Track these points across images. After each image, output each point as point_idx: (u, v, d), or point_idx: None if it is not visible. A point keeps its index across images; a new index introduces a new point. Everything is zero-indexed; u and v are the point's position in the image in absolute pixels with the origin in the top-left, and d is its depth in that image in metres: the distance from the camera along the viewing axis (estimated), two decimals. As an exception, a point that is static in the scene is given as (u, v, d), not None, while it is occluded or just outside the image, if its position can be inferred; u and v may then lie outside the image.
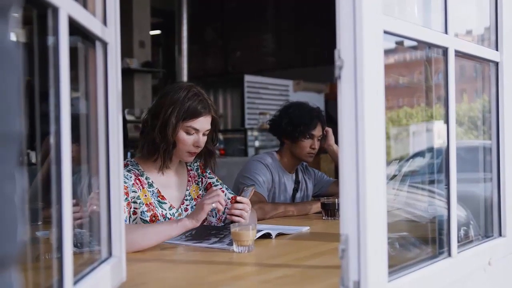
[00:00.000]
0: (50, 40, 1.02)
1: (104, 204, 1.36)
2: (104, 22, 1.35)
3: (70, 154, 1.03)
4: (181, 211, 2.29)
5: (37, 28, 1.06)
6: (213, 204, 1.97)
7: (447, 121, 1.52)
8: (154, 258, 1.84)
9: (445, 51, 1.51)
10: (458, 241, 1.54)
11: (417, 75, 2.08)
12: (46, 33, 1.03)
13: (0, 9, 0.55)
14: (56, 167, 1.01)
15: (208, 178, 2.43)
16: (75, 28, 1.12)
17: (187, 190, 2.35)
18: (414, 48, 1.72)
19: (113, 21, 1.38)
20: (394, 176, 2.24)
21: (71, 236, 1.04)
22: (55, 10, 1.00)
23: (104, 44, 1.35)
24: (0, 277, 0.55)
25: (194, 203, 2.34)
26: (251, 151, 7.32)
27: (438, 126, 1.88)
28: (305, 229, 2.35)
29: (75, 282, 1.09)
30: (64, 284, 1.01)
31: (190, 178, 2.38)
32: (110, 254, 1.37)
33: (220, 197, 2.00)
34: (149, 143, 2.21)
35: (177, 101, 2.17)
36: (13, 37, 0.59)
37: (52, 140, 1.01)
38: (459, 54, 1.56)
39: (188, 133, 2.20)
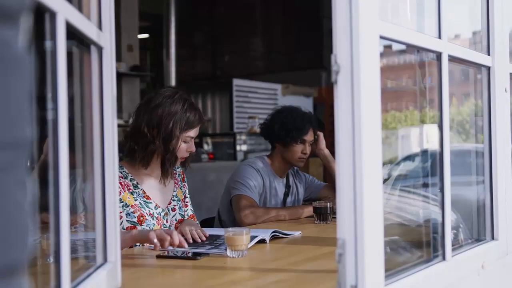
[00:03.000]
0: (47, 44, 1.02)
1: (99, 210, 1.36)
2: (100, 26, 1.34)
3: (68, 158, 1.03)
4: (168, 210, 2.36)
5: (34, 32, 1.05)
6: (155, 240, 1.89)
7: (441, 125, 1.53)
8: (149, 264, 1.84)
9: (438, 55, 1.52)
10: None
11: (405, 79, 2.09)
12: (42, 37, 1.03)
13: (10, 15, 0.55)
14: (53, 172, 1.00)
15: (186, 188, 2.52)
16: (71, 33, 1.11)
17: (174, 191, 2.43)
18: (402, 52, 1.73)
19: (108, 25, 1.38)
20: (385, 180, 2.25)
21: (69, 242, 1.03)
22: (53, 15, 0.99)
23: (99, 49, 1.34)
24: (11, 284, 0.55)
25: (181, 204, 2.43)
26: (240, 155, 7.31)
27: (427, 130, 1.89)
28: (298, 233, 2.35)
29: (72, 289, 1.08)
30: (61, 290, 1.00)
31: (176, 180, 2.46)
32: (105, 259, 1.36)
33: (167, 242, 1.90)
34: (150, 154, 2.25)
35: (176, 113, 2.24)
36: (23, 42, 0.58)
37: (49, 144, 1.01)
38: (452, 58, 1.57)
39: (185, 142, 2.29)
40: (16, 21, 0.56)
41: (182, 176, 2.52)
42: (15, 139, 0.55)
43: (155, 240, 1.90)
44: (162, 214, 2.32)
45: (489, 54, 1.82)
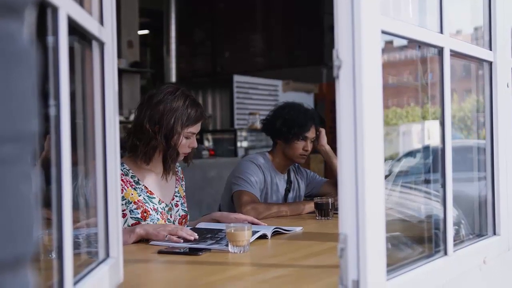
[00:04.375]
0: (49, 39, 1.01)
1: (101, 205, 1.36)
2: (101, 22, 1.34)
3: (70, 154, 1.03)
4: (172, 205, 2.38)
5: (36, 27, 1.05)
6: (167, 237, 2.03)
7: (442, 121, 1.53)
8: (151, 259, 1.84)
9: (440, 50, 1.52)
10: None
11: (406, 74, 2.09)
12: (44, 32, 1.02)
13: (15, 9, 0.55)
14: (56, 168, 1.00)
15: (184, 187, 2.54)
16: (72, 28, 1.11)
17: (176, 187, 2.44)
18: (404, 47, 1.73)
19: (109, 21, 1.37)
20: (386, 176, 2.25)
21: (71, 237, 1.03)
22: (55, 10, 0.99)
23: (101, 44, 1.34)
24: (17, 276, 0.55)
25: (182, 200, 2.46)
26: (240, 152, 7.31)
27: (429, 126, 1.89)
28: (299, 229, 2.35)
29: (75, 283, 1.08)
30: (64, 285, 1.00)
31: (177, 178, 2.48)
32: (107, 255, 1.36)
33: (180, 233, 2.05)
34: (151, 149, 2.27)
35: (178, 109, 2.25)
36: (28, 36, 0.58)
37: (51, 141, 1.01)
38: (454, 53, 1.57)
39: (186, 138, 2.30)
40: (20, 14, 0.56)
41: (182, 175, 2.55)
42: (20, 132, 0.55)
43: (168, 237, 2.03)
44: (166, 209, 2.33)
45: (491, 49, 1.82)
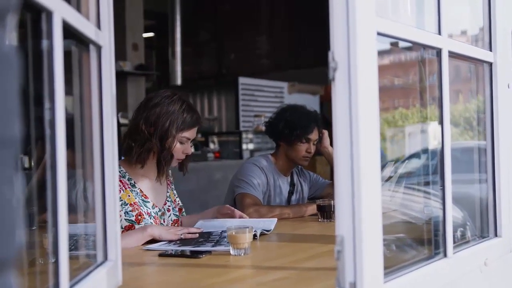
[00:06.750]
0: (44, 43, 1.02)
1: (99, 208, 1.36)
2: (98, 25, 1.35)
3: (65, 158, 1.03)
4: (164, 210, 2.41)
5: (31, 31, 1.05)
6: (182, 236, 2.14)
7: (441, 122, 1.52)
8: (150, 262, 1.84)
9: (438, 52, 1.52)
10: (454, 242, 1.54)
11: (412, 76, 2.08)
12: (40, 36, 1.03)
13: (-2, 13, 0.55)
14: (51, 172, 1.01)
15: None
16: (69, 32, 1.12)
17: (168, 192, 2.47)
18: (408, 49, 1.72)
19: (107, 24, 1.38)
20: (390, 177, 2.24)
21: (67, 241, 1.03)
22: (49, 14, 1.00)
23: (98, 48, 1.34)
24: (0, 279, 0.55)
25: (174, 205, 2.48)
26: (246, 154, 7.31)
27: (434, 127, 1.88)
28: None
29: (71, 286, 1.09)
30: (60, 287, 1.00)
31: (169, 182, 2.50)
32: (105, 258, 1.36)
33: (191, 230, 2.20)
34: (146, 151, 2.28)
35: (174, 112, 2.28)
36: (11, 41, 0.58)
37: (47, 144, 1.01)
38: (452, 55, 1.57)
39: (181, 142, 2.32)
40: (2, 19, 0.56)
41: (172, 179, 2.57)
42: (3, 136, 0.55)
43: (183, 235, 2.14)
44: (159, 213, 2.36)
45: (491, 50, 1.81)
